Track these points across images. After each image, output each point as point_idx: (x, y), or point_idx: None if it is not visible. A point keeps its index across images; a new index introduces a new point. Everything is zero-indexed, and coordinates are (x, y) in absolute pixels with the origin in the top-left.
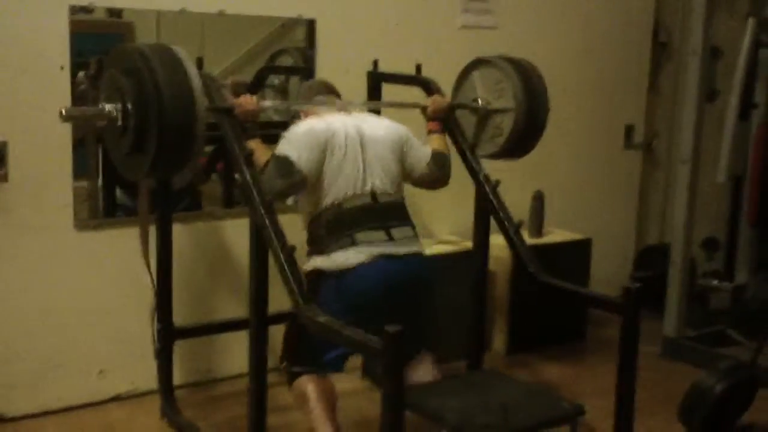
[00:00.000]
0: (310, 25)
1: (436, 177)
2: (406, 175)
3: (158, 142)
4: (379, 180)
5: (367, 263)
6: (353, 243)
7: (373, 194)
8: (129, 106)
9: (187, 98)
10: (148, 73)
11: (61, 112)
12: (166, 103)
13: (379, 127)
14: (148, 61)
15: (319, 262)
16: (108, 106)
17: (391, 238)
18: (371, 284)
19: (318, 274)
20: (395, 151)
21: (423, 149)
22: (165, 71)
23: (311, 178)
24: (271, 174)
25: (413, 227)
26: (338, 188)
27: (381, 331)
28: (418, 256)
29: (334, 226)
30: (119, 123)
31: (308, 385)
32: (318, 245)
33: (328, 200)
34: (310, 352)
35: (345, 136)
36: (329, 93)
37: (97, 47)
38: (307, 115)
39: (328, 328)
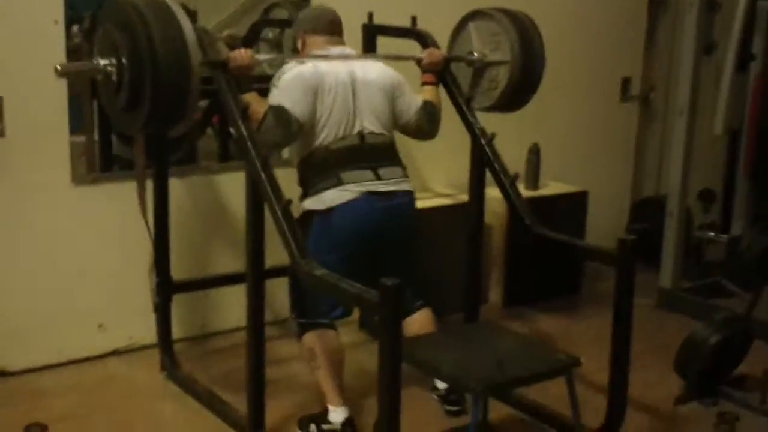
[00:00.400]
0: None
1: (425, 129)
2: (394, 120)
3: (153, 97)
4: (368, 122)
5: (354, 200)
6: (339, 182)
7: (361, 135)
8: (123, 61)
9: (182, 53)
10: (141, 27)
11: (56, 68)
12: (160, 58)
13: (371, 70)
14: (142, 15)
15: (308, 203)
16: (102, 62)
17: (378, 178)
18: (358, 217)
19: (308, 214)
20: (387, 94)
21: (414, 96)
22: (159, 26)
23: (306, 125)
24: (269, 125)
25: (403, 168)
26: (328, 130)
27: (372, 274)
28: (407, 194)
29: (321, 166)
30: (114, 78)
31: (316, 341)
32: (307, 186)
33: (317, 142)
34: (313, 302)
35: (334, 79)
36: (332, 33)
37: (88, 1)
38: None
39: (324, 281)
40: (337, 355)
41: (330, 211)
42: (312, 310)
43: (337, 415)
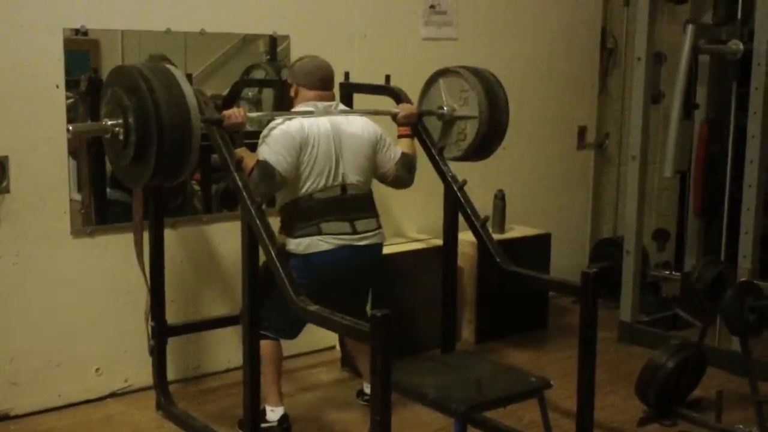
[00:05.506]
0: (280, 41)
1: (402, 178)
2: (374, 170)
3: (158, 155)
4: (350, 173)
5: (330, 251)
6: (319, 232)
7: (343, 187)
8: (131, 121)
9: (185, 115)
10: (148, 92)
11: (68, 129)
12: (165, 120)
13: (356, 124)
14: (148, 80)
15: (289, 245)
16: (110, 122)
17: (354, 230)
18: (332, 266)
19: (288, 252)
20: (370, 147)
21: (394, 149)
22: (163, 90)
23: (289, 177)
24: (256, 179)
25: (377, 218)
26: (312, 180)
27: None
28: (377, 246)
29: (305, 214)
30: (121, 137)
31: (270, 349)
32: (288, 228)
33: (301, 191)
34: (275, 320)
35: (317, 132)
36: (323, 89)
37: (80, 66)
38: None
39: (318, 315)
40: (281, 361)
41: (308, 255)
42: (272, 325)
43: (274, 413)
